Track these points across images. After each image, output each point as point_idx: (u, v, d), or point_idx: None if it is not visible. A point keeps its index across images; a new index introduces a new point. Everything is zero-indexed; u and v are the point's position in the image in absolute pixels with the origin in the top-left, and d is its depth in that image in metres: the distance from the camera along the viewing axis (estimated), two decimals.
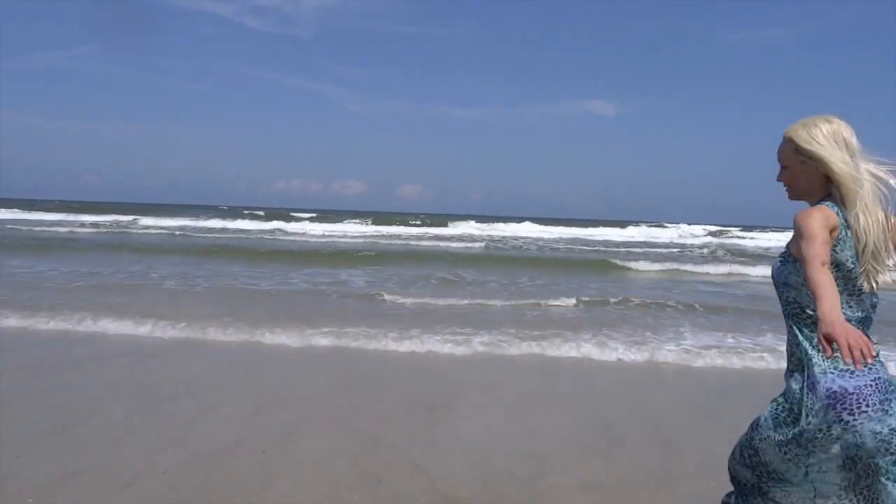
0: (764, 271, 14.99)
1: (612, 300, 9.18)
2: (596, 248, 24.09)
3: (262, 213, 46.78)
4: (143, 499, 2.84)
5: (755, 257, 20.17)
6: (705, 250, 24.29)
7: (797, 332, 1.91)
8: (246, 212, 46.71)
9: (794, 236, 1.83)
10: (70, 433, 3.56)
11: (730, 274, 15.19)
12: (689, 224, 46.46)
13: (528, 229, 37.84)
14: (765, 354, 5.86)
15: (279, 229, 29.86)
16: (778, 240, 34.50)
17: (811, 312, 1.84)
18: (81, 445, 3.39)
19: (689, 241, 33.24)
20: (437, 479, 3.12)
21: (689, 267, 16.11)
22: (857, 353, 1.43)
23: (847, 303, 1.82)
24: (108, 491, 2.88)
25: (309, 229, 30.75)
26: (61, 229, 24.69)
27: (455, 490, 3.01)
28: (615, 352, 5.94)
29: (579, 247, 25.22)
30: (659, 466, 3.33)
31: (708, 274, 15.10)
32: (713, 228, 43.55)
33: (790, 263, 1.90)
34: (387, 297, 9.08)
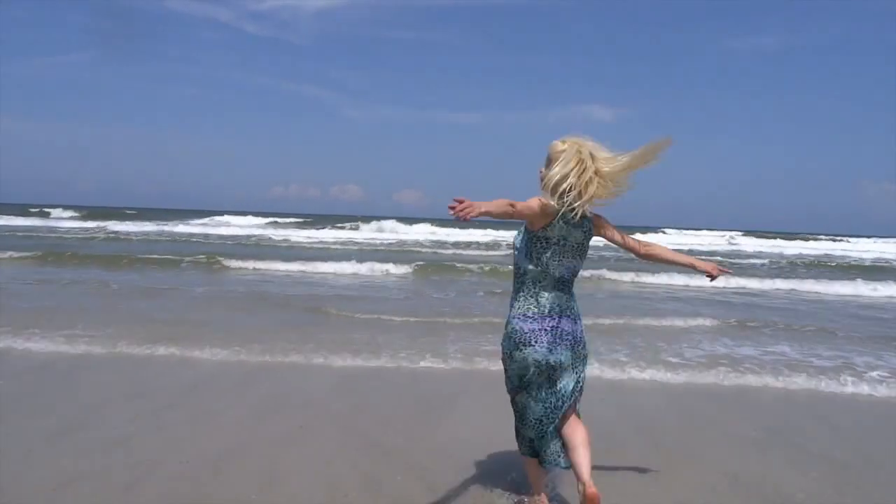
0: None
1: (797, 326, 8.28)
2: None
3: (302, 219, 44.89)
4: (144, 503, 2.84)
5: (843, 269, 18.95)
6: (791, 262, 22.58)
7: None
8: (283, 219, 44.60)
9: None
10: (70, 439, 3.57)
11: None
12: (711, 230, 45.36)
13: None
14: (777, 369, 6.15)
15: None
16: (803, 247, 33.54)
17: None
18: (81, 451, 3.39)
19: (743, 248, 31.89)
20: (436, 484, 3.13)
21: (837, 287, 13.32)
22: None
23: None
24: (109, 495, 2.89)
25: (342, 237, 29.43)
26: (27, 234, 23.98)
27: (453, 494, 3.03)
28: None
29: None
30: (655, 468, 3.38)
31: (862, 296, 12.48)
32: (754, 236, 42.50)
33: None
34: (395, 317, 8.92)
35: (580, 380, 2.72)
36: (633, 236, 2.83)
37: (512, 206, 2.43)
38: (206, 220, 40.76)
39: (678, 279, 12.76)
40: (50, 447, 3.42)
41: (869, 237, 52.28)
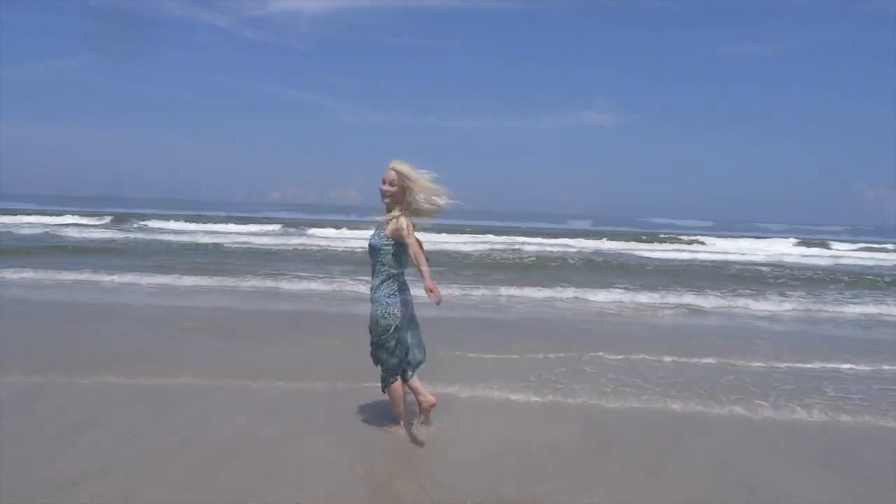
0: None
1: None
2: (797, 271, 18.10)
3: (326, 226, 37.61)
4: None
5: None
6: None
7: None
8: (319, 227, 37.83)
9: (400, 229, 3.57)
10: (69, 443, 3.56)
11: None
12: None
13: (567, 242, 33.43)
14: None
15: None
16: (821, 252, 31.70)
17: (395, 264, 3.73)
18: (80, 455, 3.39)
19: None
20: (433, 487, 3.14)
21: None
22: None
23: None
24: (108, 498, 2.89)
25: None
26: None
27: (450, 497, 3.04)
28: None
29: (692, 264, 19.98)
30: (652, 469, 3.42)
31: None
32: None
33: (396, 245, 3.65)
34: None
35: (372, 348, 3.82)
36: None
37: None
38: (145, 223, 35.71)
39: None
40: (50, 451, 3.44)
41: (866, 240, 51.72)
